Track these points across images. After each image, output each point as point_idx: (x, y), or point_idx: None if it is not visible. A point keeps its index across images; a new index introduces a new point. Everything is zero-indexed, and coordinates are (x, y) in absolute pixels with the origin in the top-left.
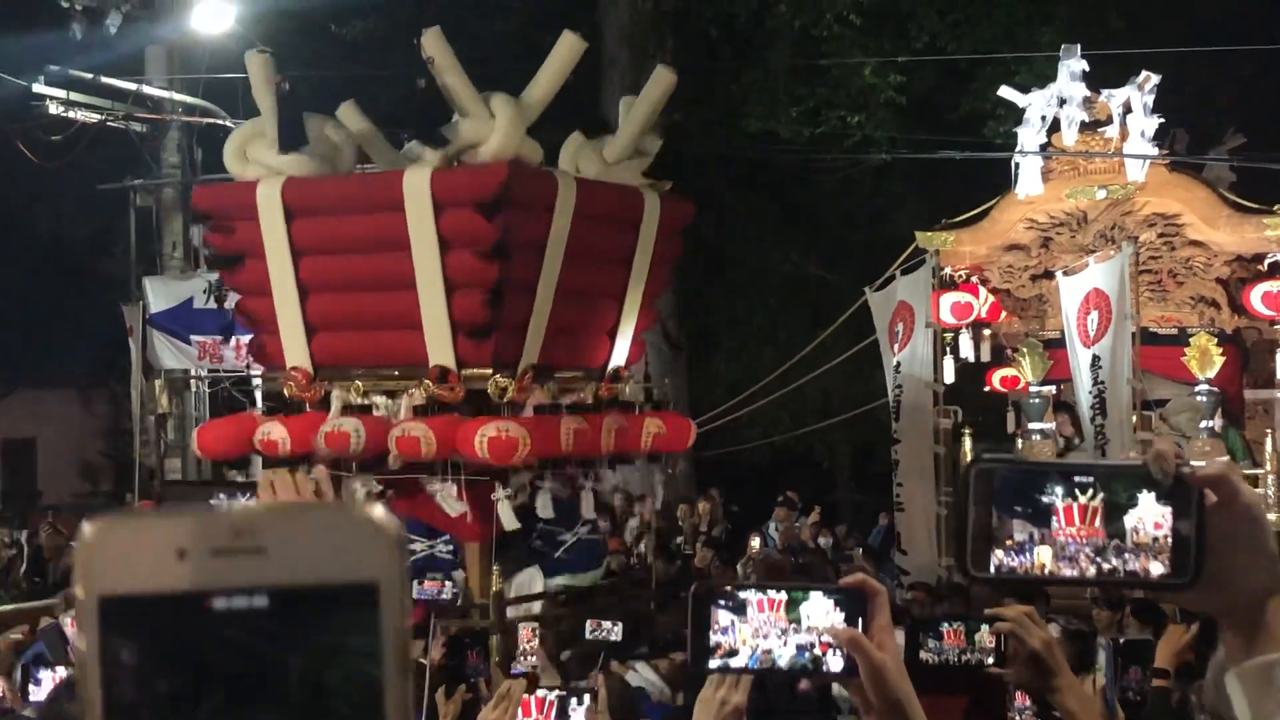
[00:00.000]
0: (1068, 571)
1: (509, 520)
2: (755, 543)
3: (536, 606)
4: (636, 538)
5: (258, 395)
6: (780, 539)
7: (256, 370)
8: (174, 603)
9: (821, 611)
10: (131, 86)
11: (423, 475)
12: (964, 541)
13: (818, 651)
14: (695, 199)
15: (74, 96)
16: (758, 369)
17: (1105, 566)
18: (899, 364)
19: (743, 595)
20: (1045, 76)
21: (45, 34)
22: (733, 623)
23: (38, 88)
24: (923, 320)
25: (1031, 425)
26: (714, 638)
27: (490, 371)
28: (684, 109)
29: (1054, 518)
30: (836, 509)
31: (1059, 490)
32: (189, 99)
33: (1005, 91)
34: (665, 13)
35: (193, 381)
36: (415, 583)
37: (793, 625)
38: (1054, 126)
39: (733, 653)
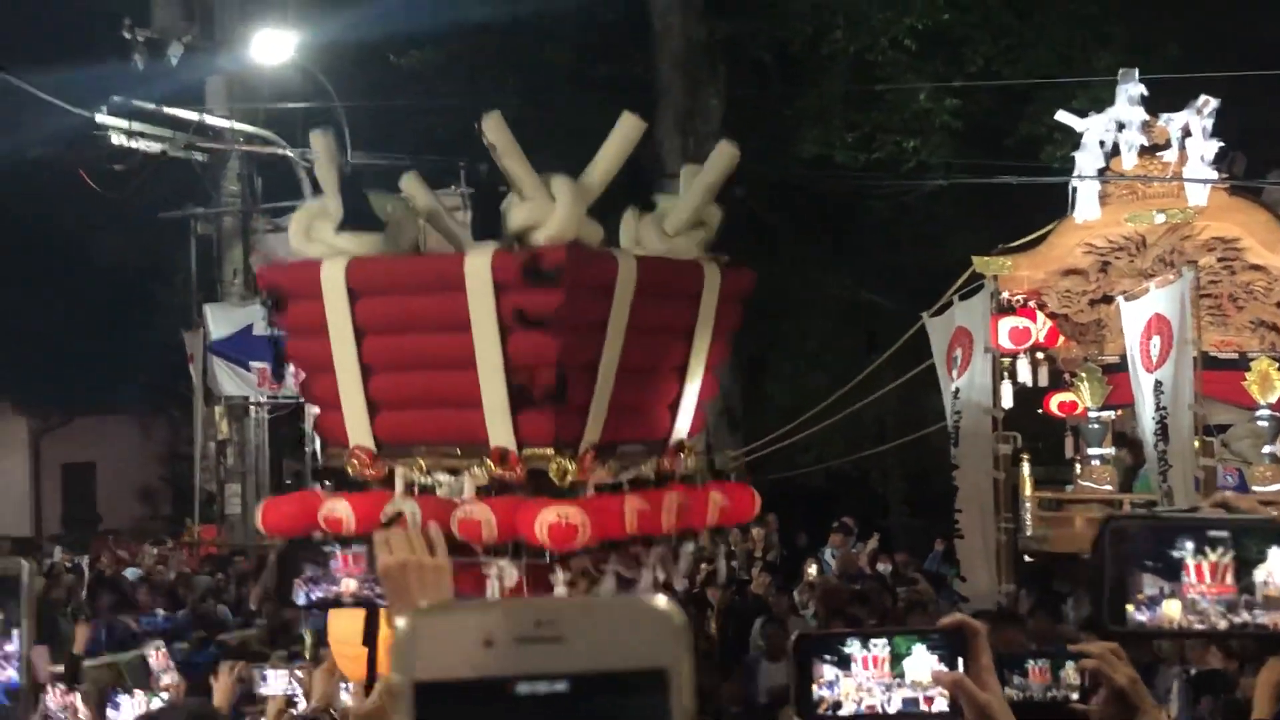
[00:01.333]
0: (1197, 625)
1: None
2: (812, 569)
3: None
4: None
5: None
6: (837, 565)
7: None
8: (482, 688)
9: (925, 666)
10: (193, 117)
11: (482, 558)
12: (1100, 597)
13: (922, 700)
14: (747, 224)
15: (136, 127)
16: (810, 393)
17: (1235, 620)
18: (958, 390)
19: (846, 650)
20: (1102, 101)
21: (108, 66)
22: (837, 677)
23: (101, 118)
24: (981, 345)
25: (1090, 451)
26: (818, 692)
27: (551, 452)
28: (737, 135)
29: (1184, 573)
30: (890, 534)
31: (1190, 546)
32: (249, 128)
33: (1062, 116)
34: (718, 40)
35: (252, 408)
36: None
37: (897, 680)
38: (1112, 151)
39: (837, 706)
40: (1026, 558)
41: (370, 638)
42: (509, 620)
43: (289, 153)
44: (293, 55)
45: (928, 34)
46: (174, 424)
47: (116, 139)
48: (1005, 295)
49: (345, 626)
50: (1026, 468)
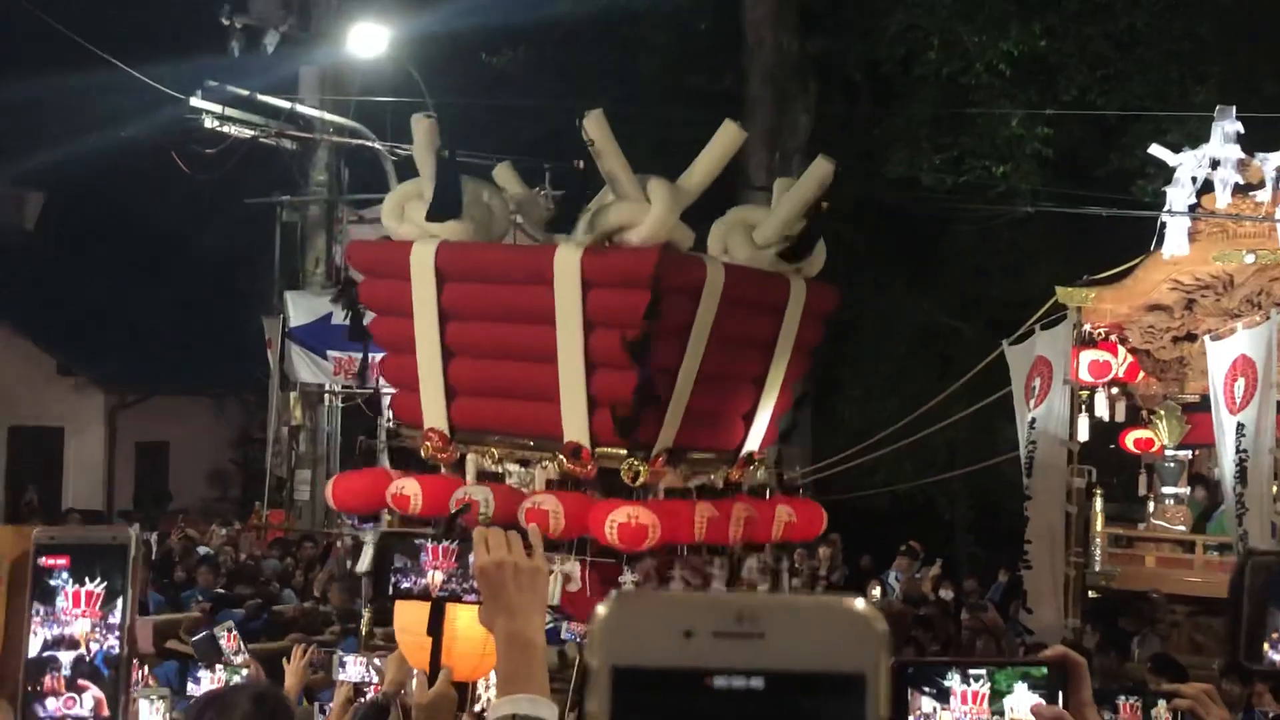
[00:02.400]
0: None
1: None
2: (876, 592)
3: None
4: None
5: (382, 426)
6: (901, 589)
7: (388, 388)
8: (678, 678)
9: (1025, 704)
10: (285, 105)
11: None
12: (1238, 633)
13: None
14: (828, 243)
15: (229, 112)
16: (882, 416)
17: None
18: (1034, 420)
19: (946, 682)
20: (1197, 137)
21: (206, 53)
22: (935, 709)
23: (195, 102)
24: (1061, 377)
25: (1165, 489)
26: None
27: (624, 452)
28: (824, 154)
29: None
30: (954, 562)
31: None
32: (339, 119)
33: (1156, 150)
34: (810, 56)
35: (327, 396)
36: None
37: (995, 716)
38: (1204, 188)
39: None
40: (1091, 594)
41: (435, 628)
42: (711, 613)
43: (378, 145)
44: (386, 49)
45: (1023, 60)
46: (248, 408)
47: (209, 123)
48: (1087, 327)
49: (411, 614)
50: (1099, 503)
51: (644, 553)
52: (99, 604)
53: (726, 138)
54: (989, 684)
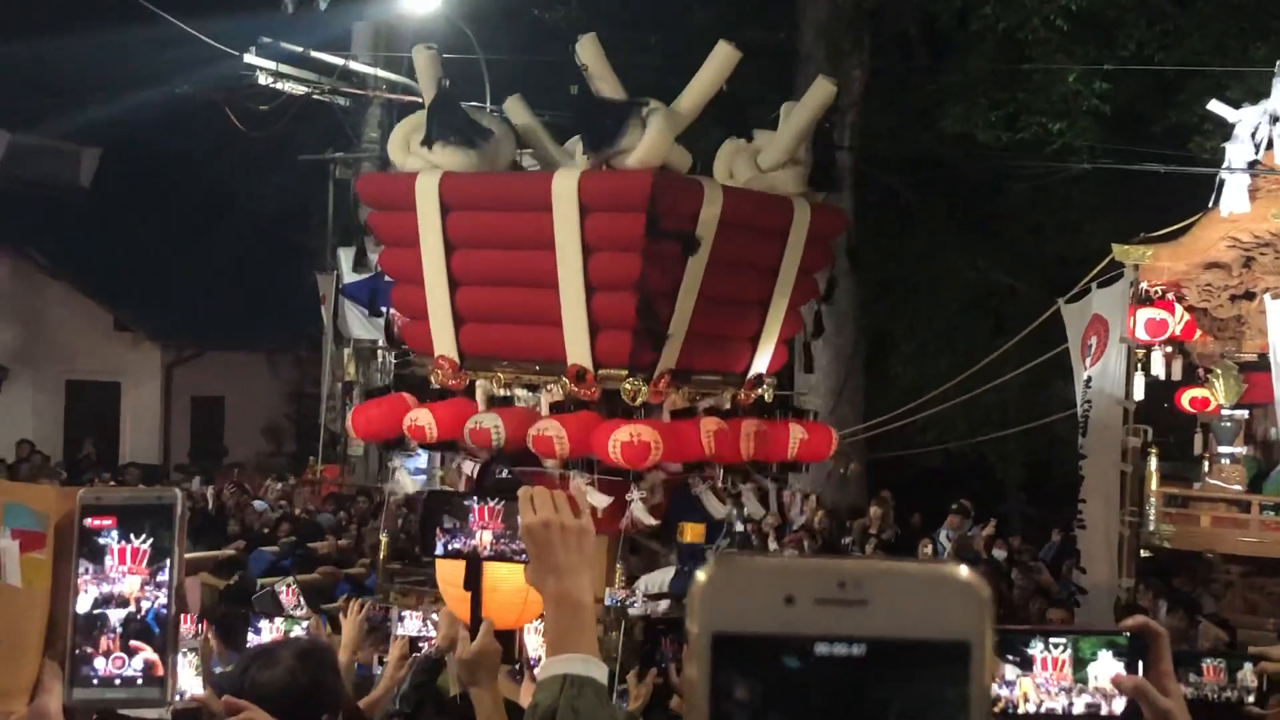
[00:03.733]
0: None
1: (646, 518)
2: (927, 550)
3: (662, 606)
4: (808, 535)
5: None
6: (952, 547)
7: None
8: (779, 644)
9: (1109, 671)
10: (338, 62)
11: (566, 471)
12: None
13: (1104, 705)
14: (881, 200)
15: (283, 69)
16: (935, 374)
17: None
18: (1090, 379)
19: (1029, 650)
20: (1257, 93)
21: (261, 10)
22: (1017, 677)
23: (249, 59)
24: (1117, 335)
25: (1220, 449)
26: (996, 689)
27: (625, 373)
28: (878, 109)
29: None
30: (1006, 521)
31: None
32: (392, 76)
33: (1215, 106)
34: (864, 10)
35: (379, 351)
36: None
37: (1079, 685)
38: (1264, 144)
39: (1013, 705)
40: (1145, 553)
41: (472, 583)
42: (813, 579)
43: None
44: (439, 5)
45: (1081, 15)
46: (301, 364)
47: (263, 80)
48: (1144, 285)
49: (452, 568)
50: (1154, 462)
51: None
52: (146, 562)
53: (720, 59)
54: (1071, 651)
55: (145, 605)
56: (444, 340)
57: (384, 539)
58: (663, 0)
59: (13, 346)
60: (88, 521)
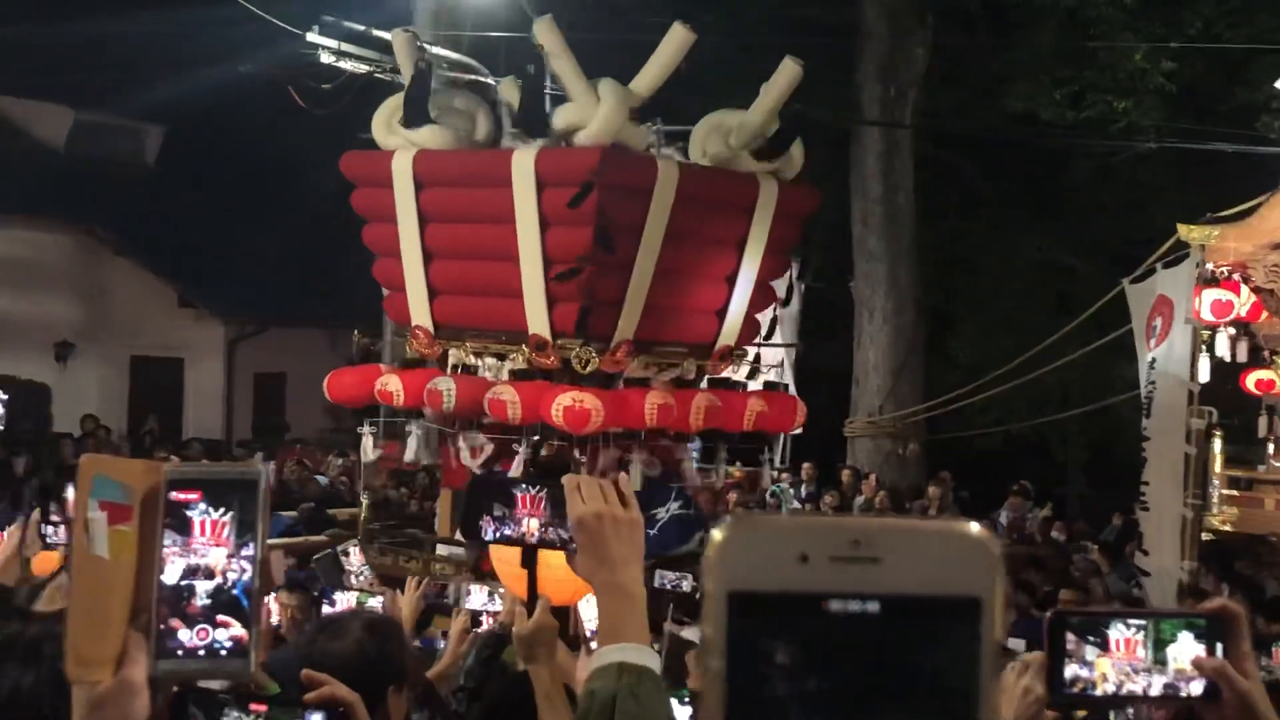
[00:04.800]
0: None
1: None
2: None
3: None
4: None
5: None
6: (1008, 529)
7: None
8: (794, 602)
9: (1189, 653)
10: None
11: (513, 436)
12: None
13: (1183, 687)
14: (944, 179)
15: (345, 48)
16: (996, 355)
17: None
18: (1154, 360)
19: (1108, 632)
20: None
21: None
22: (1095, 657)
23: (312, 37)
24: (1182, 316)
25: None
26: (1074, 669)
27: (579, 342)
28: (940, 88)
29: None
30: (1065, 503)
31: None
32: (452, 55)
33: None
34: None
35: None
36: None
37: (1158, 666)
38: None
39: (1091, 686)
40: (1208, 536)
41: (528, 562)
42: (827, 537)
43: (490, 80)
44: None
45: None
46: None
47: (326, 58)
48: (1210, 266)
49: (510, 547)
50: (1218, 444)
51: (600, 437)
52: (232, 535)
53: (675, 40)
54: (1151, 633)
55: (232, 578)
56: (420, 311)
57: (365, 500)
58: None
59: (78, 323)
60: (173, 495)
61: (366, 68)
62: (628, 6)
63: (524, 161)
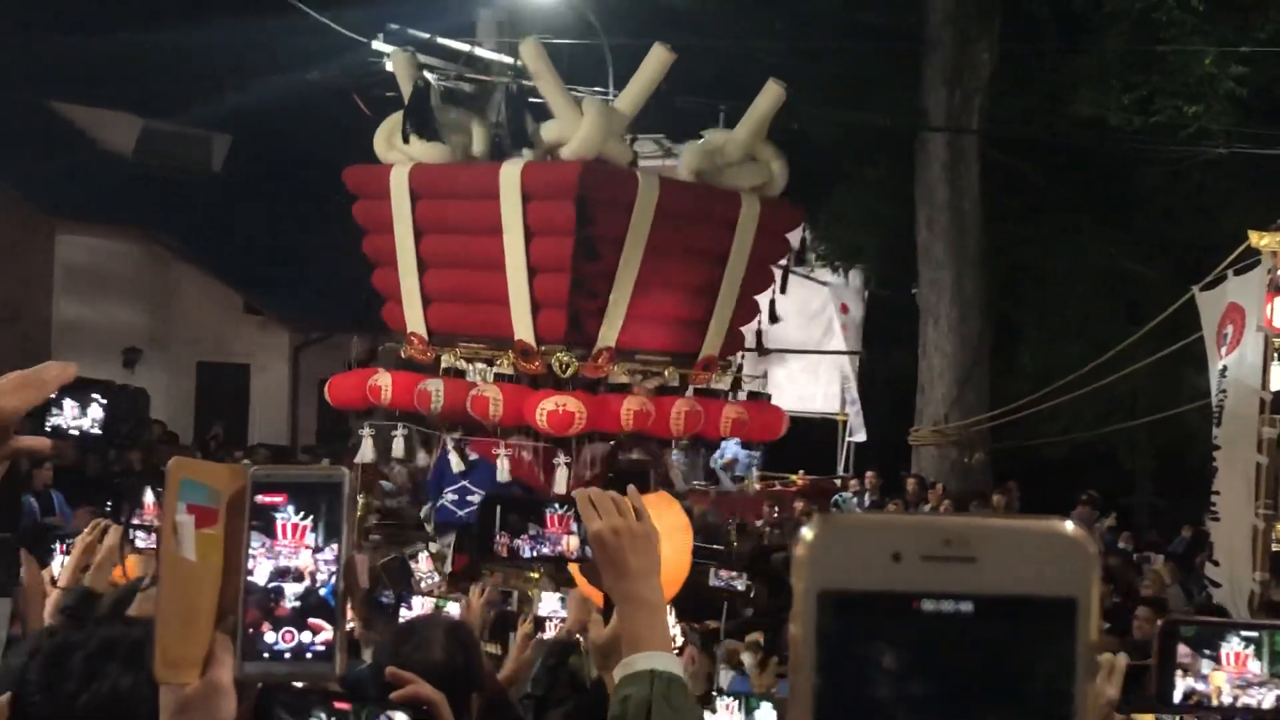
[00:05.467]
0: None
1: (561, 485)
2: None
3: None
4: None
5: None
6: None
7: None
8: (886, 601)
9: None
10: (463, 48)
11: (495, 437)
12: None
13: None
14: (1009, 185)
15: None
16: (1063, 362)
17: None
18: (1225, 368)
19: (1223, 646)
20: None
21: None
22: (1210, 670)
23: (376, 45)
24: (1254, 324)
25: None
26: (1189, 683)
27: (562, 349)
28: (1006, 93)
29: None
30: (1132, 512)
31: None
32: (516, 62)
33: None
34: None
35: None
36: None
37: (1274, 679)
38: None
39: (1207, 700)
40: (1276, 546)
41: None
42: (920, 536)
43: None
44: None
45: None
46: None
47: (390, 67)
48: None
49: None
50: None
51: (587, 439)
52: (317, 537)
53: (655, 61)
54: (1265, 645)
55: (318, 580)
56: (415, 318)
57: (360, 500)
58: None
59: (146, 329)
60: (259, 498)
61: (430, 75)
62: (693, 13)
63: (511, 175)
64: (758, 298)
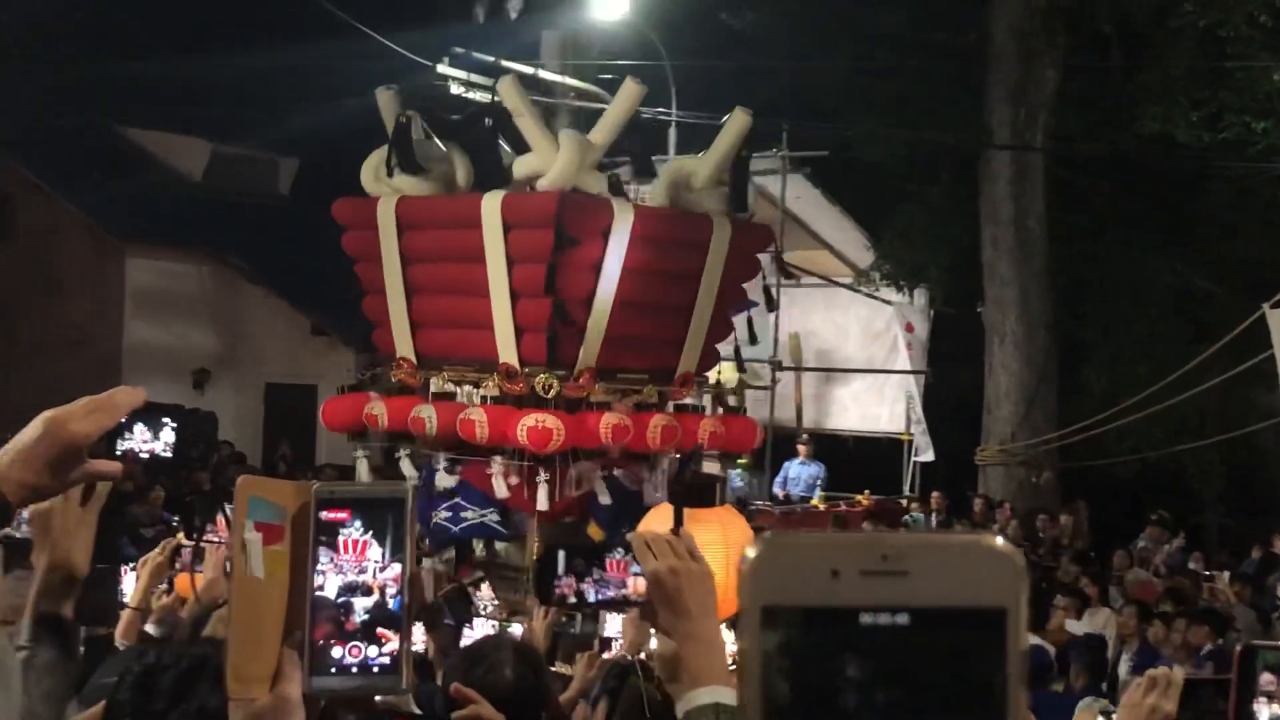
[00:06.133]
0: None
1: (542, 501)
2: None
3: None
4: None
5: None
6: (1140, 559)
7: None
8: (826, 616)
9: None
10: (527, 70)
11: (484, 456)
12: None
13: None
14: (1075, 202)
15: (474, 78)
16: (1131, 382)
17: None
18: None
19: None
20: None
21: (452, 20)
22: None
23: (441, 69)
24: None
25: None
26: (1274, 709)
27: (544, 370)
28: (1071, 109)
29: None
30: (1202, 532)
31: None
32: (579, 84)
33: None
34: (1059, 8)
35: None
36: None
37: None
38: None
39: None
40: None
41: None
42: (857, 553)
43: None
44: (627, 12)
45: None
46: None
47: (455, 89)
48: None
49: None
50: None
51: (569, 456)
52: (382, 553)
53: (627, 95)
54: None
55: (384, 595)
56: (404, 343)
57: None
58: (850, 3)
59: (215, 350)
60: (323, 514)
61: (494, 97)
62: (757, 33)
63: (491, 206)
64: (736, 319)
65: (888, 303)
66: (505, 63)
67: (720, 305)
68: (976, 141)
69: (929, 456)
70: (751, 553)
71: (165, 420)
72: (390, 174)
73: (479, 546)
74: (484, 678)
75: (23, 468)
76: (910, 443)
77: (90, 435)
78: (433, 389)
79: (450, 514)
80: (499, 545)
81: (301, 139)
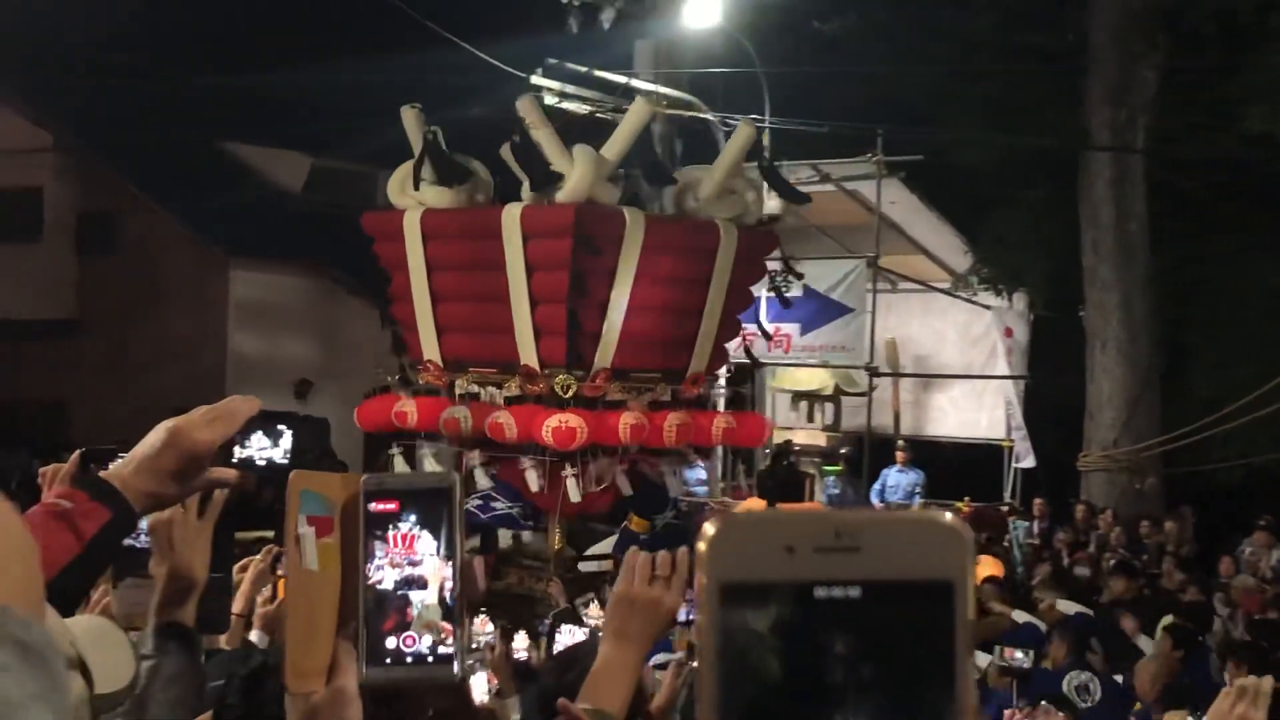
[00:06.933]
0: None
1: (574, 494)
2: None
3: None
4: (1098, 550)
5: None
6: (1247, 566)
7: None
8: (781, 590)
9: None
10: (620, 80)
11: (515, 454)
12: None
13: None
14: (1177, 204)
15: (567, 89)
16: (1237, 386)
17: None
18: None
19: None
20: None
21: (546, 32)
22: None
23: (535, 79)
24: None
25: None
26: None
27: (563, 371)
28: (1171, 110)
29: None
30: None
31: None
32: (672, 92)
33: None
34: (1158, 8)
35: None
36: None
37: None
38: None
39: None
40: None
41: None
42: (811, 529)
43: (709, 116)
44: (719, 20)
45: None
46: None
47: (549, 99)
48: None
49: None
50: None
51: (589, 453)
52: (435, 545)
53: (636, 113)
54: None
55: (436, 585)
56: (430, 347)
57: None
58: (943, 5)
59: (316, 360)
60: (371, 506)
61: (589, 108)
62: (848, 39)
63: (512, 217)
64: (750, 327)
65: (986, 307)
66: (598, 72)
67: (728, 307)
68: (1077, 144)
69: (1030, 463)
70: (710, 530)
71: (281, 428)
72: (416, 186)
73: (507, 538)
74: (577, 682)
75: (147, 477)
76: (1010, 449)
77: (212, 444)
78: (458, 390)
79: (480, 503)
80: (525, 536)
81: (398, 150)
